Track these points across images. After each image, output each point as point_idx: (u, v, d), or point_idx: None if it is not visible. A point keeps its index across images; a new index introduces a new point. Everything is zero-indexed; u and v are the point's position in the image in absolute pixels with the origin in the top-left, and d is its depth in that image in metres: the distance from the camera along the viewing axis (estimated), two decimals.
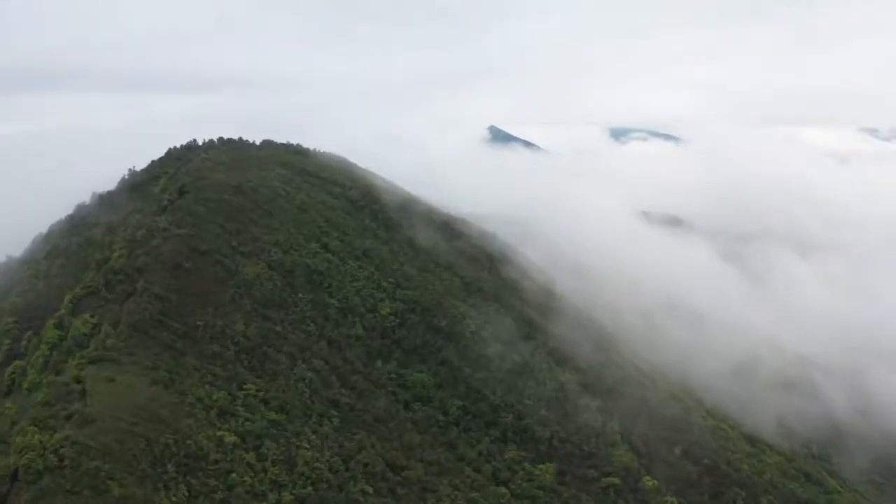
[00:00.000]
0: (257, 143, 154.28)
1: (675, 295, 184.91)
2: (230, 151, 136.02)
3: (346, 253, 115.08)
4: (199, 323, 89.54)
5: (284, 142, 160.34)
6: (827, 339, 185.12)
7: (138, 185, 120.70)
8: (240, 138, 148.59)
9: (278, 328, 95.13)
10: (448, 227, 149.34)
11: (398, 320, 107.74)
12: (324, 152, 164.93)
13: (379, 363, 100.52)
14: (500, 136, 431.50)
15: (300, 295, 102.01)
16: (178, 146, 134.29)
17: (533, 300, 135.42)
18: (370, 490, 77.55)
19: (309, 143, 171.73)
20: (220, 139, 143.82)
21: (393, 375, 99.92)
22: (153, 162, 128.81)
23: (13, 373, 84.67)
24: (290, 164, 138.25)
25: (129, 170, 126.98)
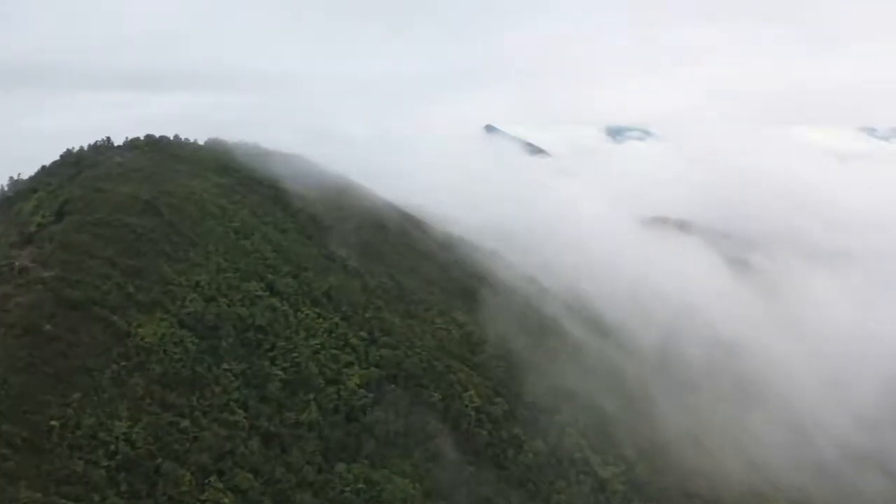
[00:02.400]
0: (201, 142, 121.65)
1: (694, 320, 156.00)
2: (156, 154, 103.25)
3: (301, 296, 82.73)
4: (53, 423, 57.13)
5: (238, 140, 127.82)
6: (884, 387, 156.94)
7: (11, 200, 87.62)
8: (175, 136, 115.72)
9: (185, 423, 62.71)
10: (444, 252, 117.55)
11: (372, 395, 75.61)
12: (289, 154, 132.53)
13: (340, 466, 68.32)
14: (496, 136, 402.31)
15: (226, 366, 69.55)
16: (83, 146, 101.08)
17: (550, 348, 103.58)
18: None
19: (298, 145, 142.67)
20: (148, 137, 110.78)
21: (361, 485, 67.70)
22: (43, 168, 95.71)
23: None
24: (234, 171, 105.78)
25: (11, 178, 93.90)
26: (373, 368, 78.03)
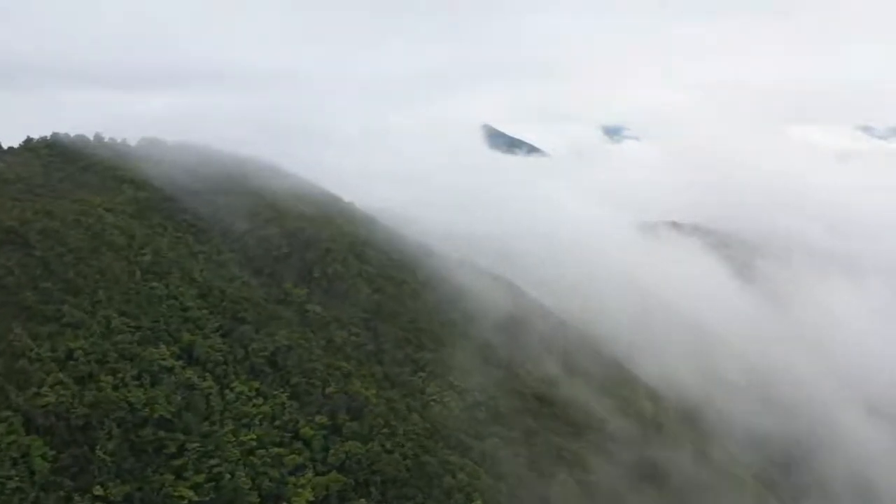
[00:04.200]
0: (132, 143, 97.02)
1: (716, 349, 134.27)
2: (56, 159, 78.41)
3: (234, 363, 57.92)
4: None
5: (180, 140, 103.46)
6: None
7: None
8: (96, 135, 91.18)
9: None
10: (436, 280, 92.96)
11: None
12: (251, 157, 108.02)
13: None
14: (494, 136, 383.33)
15: (98, 490, 44.67)
16: None
17: (572, 419, 78.77)
18: None
19: (281, 146, 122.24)
20: (55, 135, 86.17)
21: None
22: None
23: None
24: (163, 182, 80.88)
25: None
26: (334, 473, 53.35)
